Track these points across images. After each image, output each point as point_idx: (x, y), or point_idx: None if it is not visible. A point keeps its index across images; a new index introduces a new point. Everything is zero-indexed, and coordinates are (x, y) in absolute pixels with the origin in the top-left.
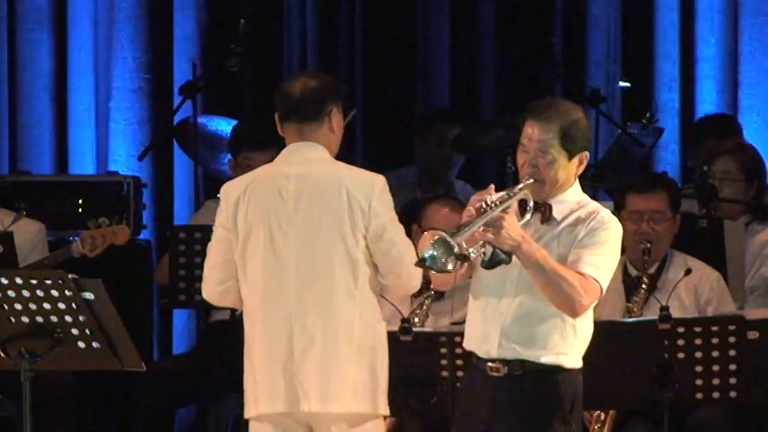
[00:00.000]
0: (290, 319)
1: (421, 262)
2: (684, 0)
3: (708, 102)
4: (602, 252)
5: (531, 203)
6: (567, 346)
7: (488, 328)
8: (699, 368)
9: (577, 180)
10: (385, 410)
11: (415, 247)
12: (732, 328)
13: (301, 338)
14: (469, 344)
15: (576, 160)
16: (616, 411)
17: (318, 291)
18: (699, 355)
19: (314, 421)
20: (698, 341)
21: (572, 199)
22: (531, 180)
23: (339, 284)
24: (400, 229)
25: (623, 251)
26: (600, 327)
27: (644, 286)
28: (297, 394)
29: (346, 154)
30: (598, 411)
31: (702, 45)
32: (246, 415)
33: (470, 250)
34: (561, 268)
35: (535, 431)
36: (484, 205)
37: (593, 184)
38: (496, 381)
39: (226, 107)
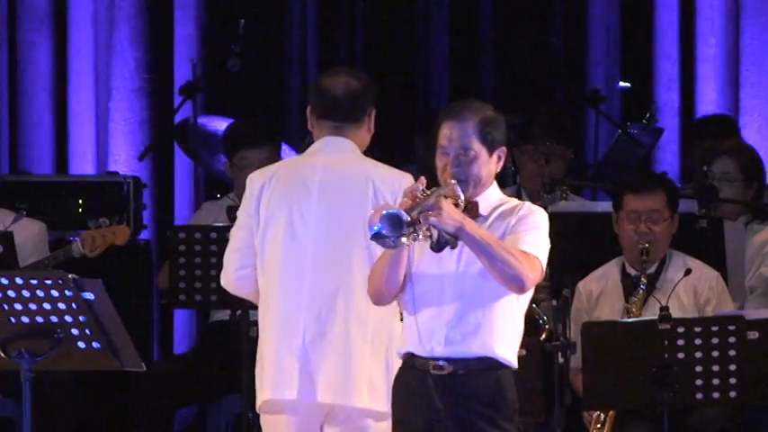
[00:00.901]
0: (303, 307)
1: (374, 237)
2: (684, 0)
3: (708, 102)
4: (537, 234)
5: (462, 200)
6: (508, 336)
7: (432, 326)
8: (699, 368)
9: (495, 181)
10: None
11: None
12: (732, 328)
13: (313, 328)
14: (408, 346)
15: (495, 156)
16: (616, 411)
17: (333, 282)
18: (699, 355)
19: (325, 413)
20: (698, 341)
21: (494, 197)
22: (455, 181)
23: (355, 277)
24: None
25: (621, 251)
26: (600, 327)
27: (642, 286)
28: (306, 383)
29: None
30: (598, 411)
31: (702, 45)
32: (257, 404)
33: (418, 228)
34: (505, 244)
35: (482, 430)
36: (419, 194)
37: (593, 184)
38: (438, 379)
39: (226, 107)
